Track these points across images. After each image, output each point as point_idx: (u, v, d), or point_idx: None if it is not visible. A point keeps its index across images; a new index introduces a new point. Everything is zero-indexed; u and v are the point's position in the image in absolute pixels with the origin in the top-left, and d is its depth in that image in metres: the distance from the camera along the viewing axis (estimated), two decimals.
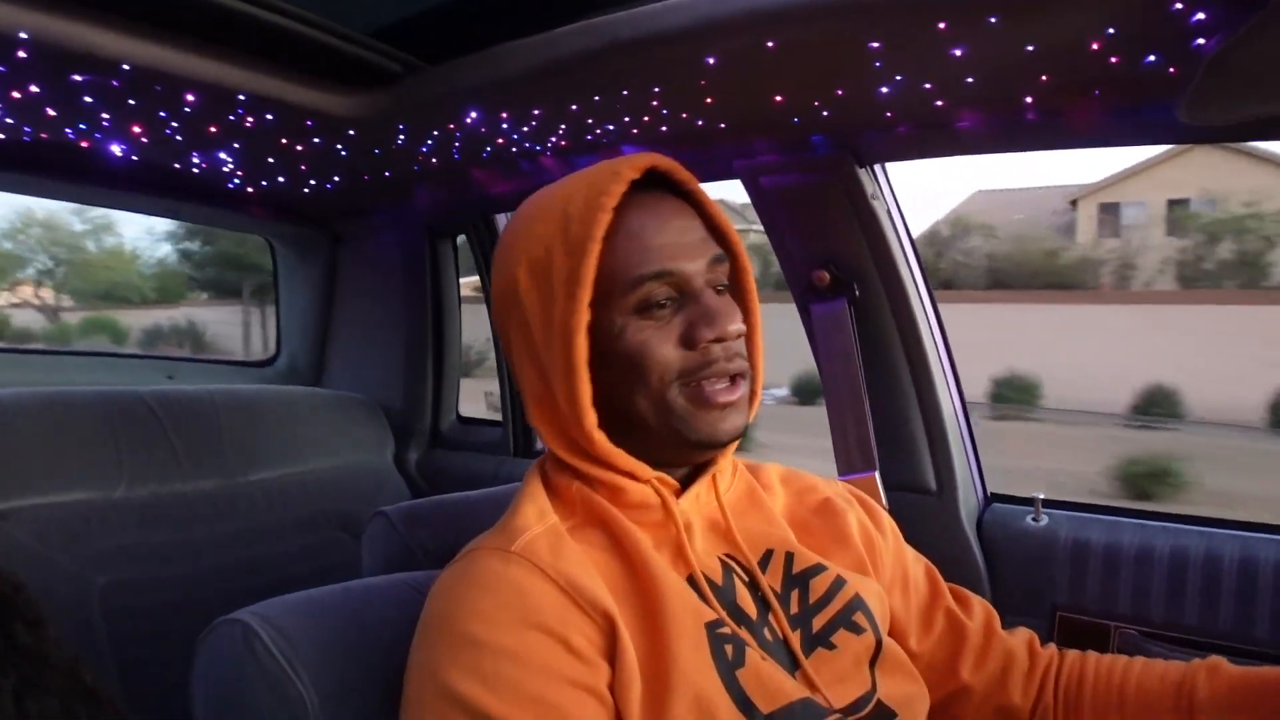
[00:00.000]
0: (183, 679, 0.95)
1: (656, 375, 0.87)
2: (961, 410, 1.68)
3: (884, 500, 1.54)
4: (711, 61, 1.26)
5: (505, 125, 1.60)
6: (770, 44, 1.19)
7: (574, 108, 1.49)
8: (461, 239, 2.41)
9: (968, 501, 1.63)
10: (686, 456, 0.93)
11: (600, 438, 0.88)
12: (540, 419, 0.93)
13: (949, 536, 1.60)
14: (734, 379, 0.89)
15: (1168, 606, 1.42)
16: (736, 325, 0.88)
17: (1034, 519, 1.56)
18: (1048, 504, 1.58)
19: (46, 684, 0.52)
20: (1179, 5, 0.99)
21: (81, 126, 1.65)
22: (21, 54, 1.26)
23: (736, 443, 0.95)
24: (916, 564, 1.11)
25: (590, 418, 0.87)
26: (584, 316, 0.86)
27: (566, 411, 0.88)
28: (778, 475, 1.08)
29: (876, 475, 1.54)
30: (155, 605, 1.66)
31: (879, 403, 1.64)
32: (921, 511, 1.61)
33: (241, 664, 0.90)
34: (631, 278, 0.87)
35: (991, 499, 1.68)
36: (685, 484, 0.94)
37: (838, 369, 1.63)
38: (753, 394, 0.95)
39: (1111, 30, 1.06)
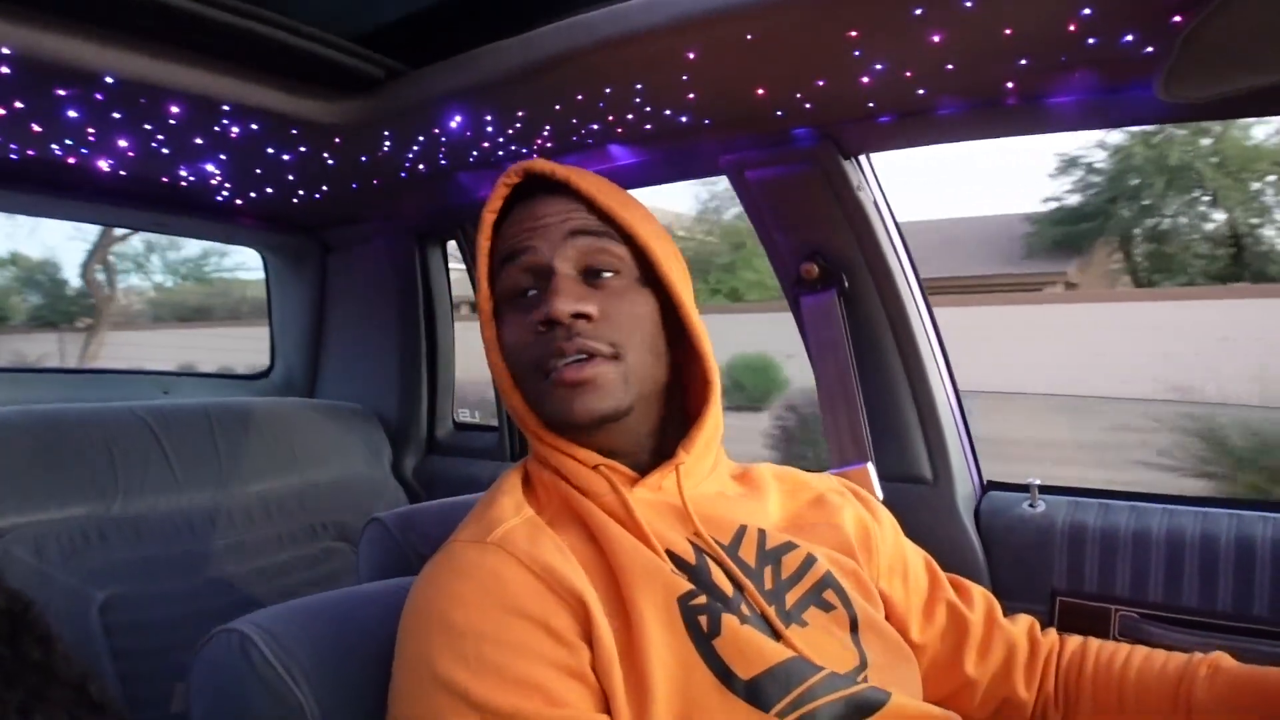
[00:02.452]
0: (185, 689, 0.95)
1: (523, 364, 0.92)
2: (954, 399, 1.67)
3: (878, 491, 1.54)
4: (692, 56, 1.27)
5: (490, 128, 1.60)
6: (750, 36, 1.19)
7: (557, 107, 1.49)
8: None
9: (964, 490, 1.63)
10: (584, 440, 0.93)
11: (533, 417, 0.94)
12: (508, 401, 0.97)
13: (946, 525, 1.60)
14: (590, 358, 0.89)
15: (1166, 587, 1.42)
16: (570, 306, 0.88)
17: (1031, 505, 1.56)
18: (1044, 489, 1.58)
19: (54, 698, 0.53)
20: None
21: (68, 142, 1.64)
22: (4, 69, 1.26)
23: (703, 433, 0.96)
24: (915, 555, 1.11)
25: (516, 397, 0.95)
26: (485, 307, 0.95)
27: (504, 396, 0.96)
28: (771, 473, 1.08)
29: (870, 466, 1.54)
30: (154, 619, 1.66)
31: (871, 393, 1.64)
32: (918, 501, 1.61)
33: (239, 673, 0.90)
34: (498, 263, 0.94)
35: (988, 486, 1.68)
36: (644, 474, 0.95)
37: (829, 360, 1.63)
38: (705, 381, 0.98)
39: (1087, 11, 1.06)
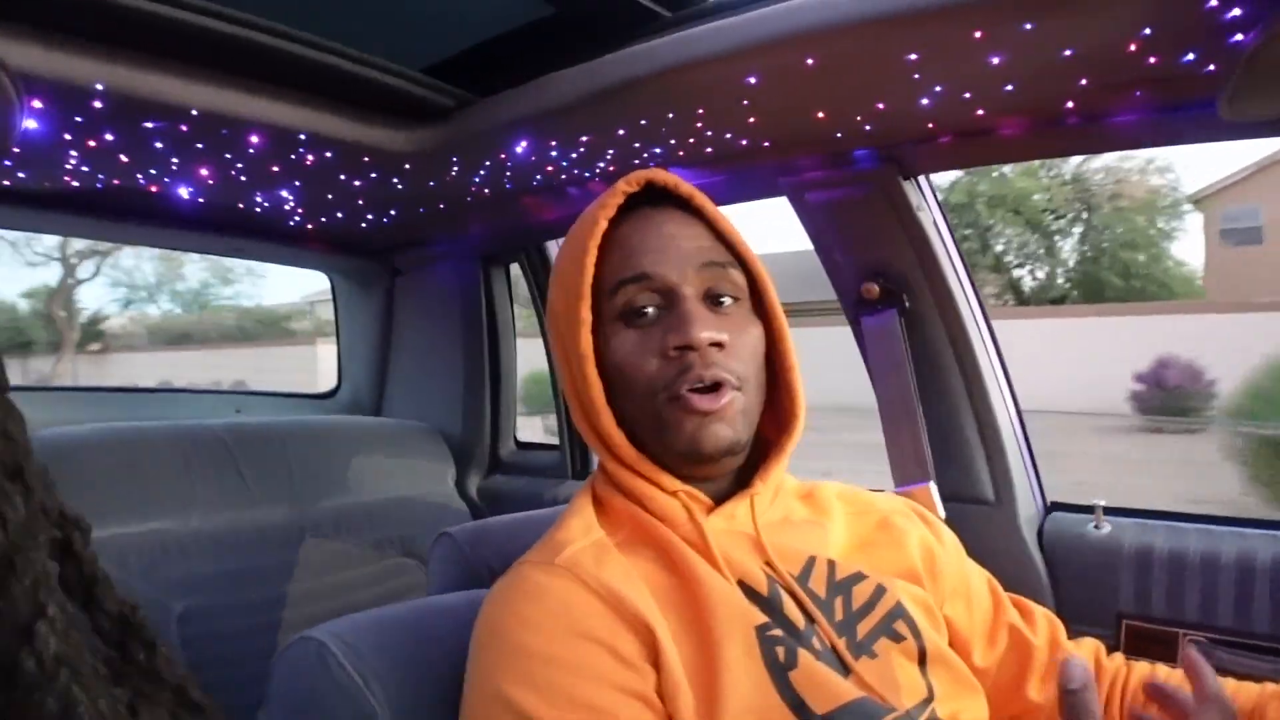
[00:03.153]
0: (257, 700, 0.98)
1: (641, 386, 0.89)
2: (1017, 419, 1.66)
3: (940, 510, 1.53)
4: (753, 81, 1.29)
5: (554, 153, 1.64)
6: (810, 61, 1.21)
7: (620, 132, 1.52)
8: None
9: (1027, 510, 1.61)
10: (685, 469, 0.92)
11: (620, 436, 0.91)
12: (580, 419, 0.95)
13: (1009, 547, 1.59)
14: (718, 388, 0.88)
15: (1236, 612, 1.39)
16: (709, 333, 0.87)
17: (1095, 526, 1.55)
18: (1109, 511, 1.56)
19: (157, 698, 0.56)
20: (1214, 2, 0.99)
21: (152, 171, 1.72)
22: (97, 104, 1.33)
23: (779, 465, 0.96)
24: (978, 578, 1.08)
25: (607, 415, 0.90)
26: (585, 318, 0.90)
27: (591, 413, 0.92)
28: (835, 493, 1.06)
29: (932, 485, 1.53)
30: (230, 630, 1.71)
31: (933, 413, 1.64)
32: (980, 522, 1.60)
33: (316, 679, 0.93)
34: (613, 283, 0.90)
35: (1052, 508, 1.66)
36: (720, 501, 0.94)
37: (890, 381, 1.63)
38: (790, 413, 0.97)
39: (1147, 31, 1.06)
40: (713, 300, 0.91)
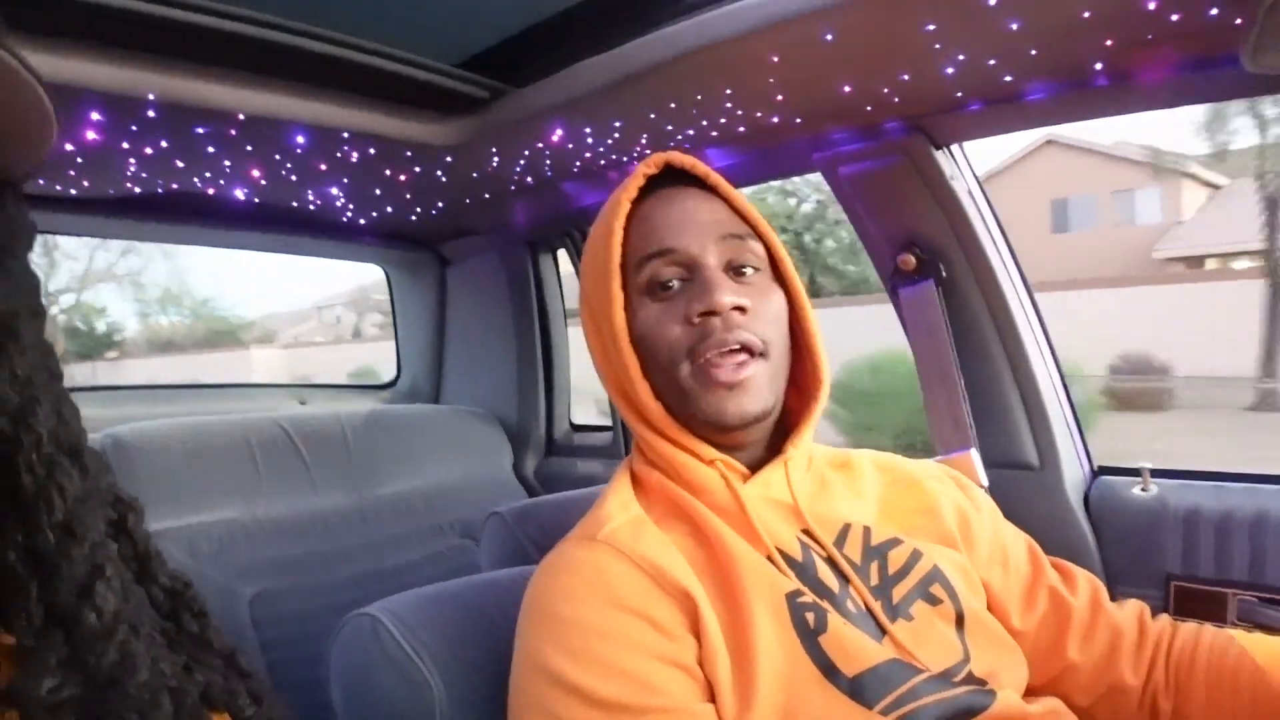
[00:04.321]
0: (324, 676, 1.04)
1: (664, 353, 0.92)
2: (1061, 384, 1.66)
3: (982, 477, 1.54)
4: (775, 59, 1.31)
5: (590, 139, 1.67)
6: (828, 36, 1.22)
7: (652, 116, 1.55)
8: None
9: (1072, 475, 1.61)
10: (713, 437, 0.95)
11: (658, 407, 0.93)
12: (616, 395, 0.99)
13: (1055, 511, 1.59)
14: (743, 354, 0.91)
15: None
16: (731, 298, 0.90)
17: (1142, 489, 1.54)
18: (1156, 473, 1.55)
19: (210, 664, 0.61)
20: None
21: (207, 175, 1.79)
22: (150, 113, 1.39)
23: (807, 430, 0.98)
24: (1017, 541, 1.09)
25: (643, 387, 0.93)
26: (617, 295, 0.93)
27: (629, 386, 0.95)
28: (870, 460, 1.08)
29: (973, 452, 1.54)
30: (296, 612, 1.78)
31: (973, 381, 1.64)
32: (1024, 487, 1.60)
33: (370, 653, 0.98)
34: (638, 257, 0.94)
35: (1099, 472, 1.65)
36: (755, 469, 0.96)
37: (929, 350, 1.64)
38: (813, 379, 0.99)
39: None
40: (735, 270, 0.95)
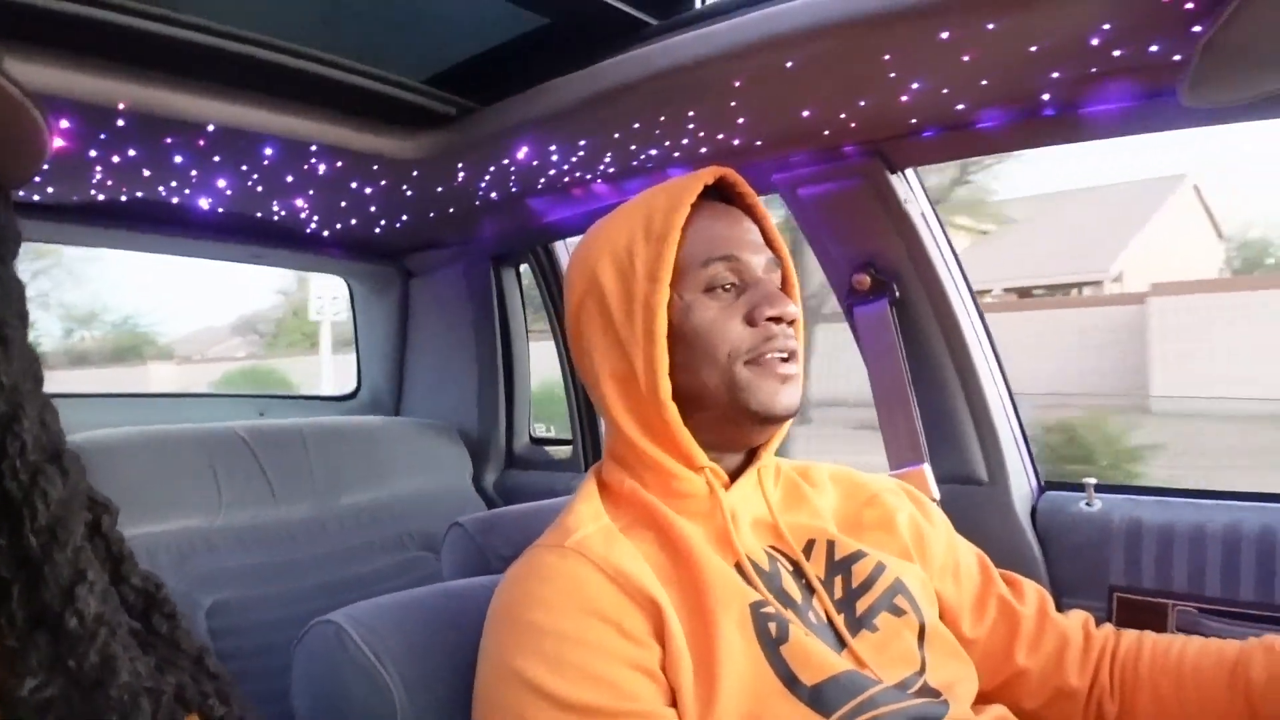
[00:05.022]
0: (283, 688, 1.04)
1: (725, 350, 0.96)
2: (1009, 402, 1.71)
3: (934, 491, 1.58)
4: (738, 83, 1.35)
5: (555, 156, 1.70)
6: (789, 64, 1.26)
7: (616, 135, 1.58)
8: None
9: (1020, 490, 1.66)
10: (746, 433, 1.00)
11: (672, 406, 0.95)
12: (615, 394, 1.00)
13: (1004, 525, 1.63)
14: (791, 356, 0.98)
15: (1224, 581, 1.43)
16: (794, 310, 0.97)
17: (1087, 504, 1.59)
18: (1100, 488, 1.60)
19: (180, 665, 0.62)
20: None
21: (173, 184, 1.79)
22: (120, 122, 1.40)
23: (779, 437, 1.02)
24: (968, 553, 1.13)
25: (666, 385, 0.95)
26: (665, 294, 0.96)
27: (644, 382, 0.96)
28: (828, 474, 1.12)
29: (926, 467, 1.58)
30: (256, 622, 1.78)
31: (926, 398, 1.69)
32: (975, 502, 1.64)
33: (334, 659, 0.99)
34: (702, 259, 0.98)
35: (1045, 487, 1.70)
36: (733, 479, 1.00)
37: (883, 367, 1.68)
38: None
39: (1108, 25, 1.10)
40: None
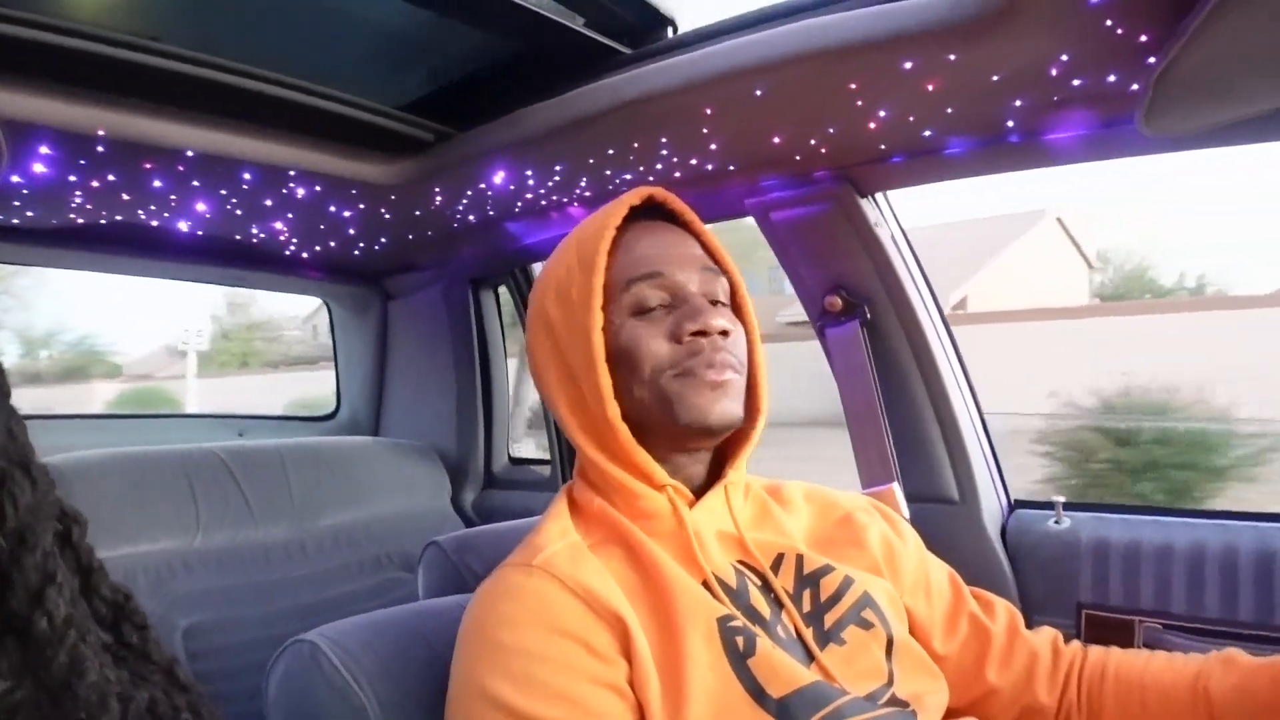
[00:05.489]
0: (260, 710, 1.05)
1: (649, 366, 0.97)
2: (980, 421, 1.73)
3: (905, 510, 1.60)
4: (709, 111, 1.38)
5: (531, 181, 1.73)
6: (759, 92, 1.30)
7: (591, 160, 1.61)
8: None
9: (990, 508, 1.68)
10: (686, 445, 1.00)
11: (623, 428, 0.97)
12: (572, 419, 1.02)
13: (974, 543, 1.65)
14: (726, 369, 0.97)
15: (1189, 598, 1.45)
16: (721, 323, 0.97)
17: (1056, 522, 1.61)
18: (1069, 506, 1.63)
19: (150, 677, 0.63)
20: (1121, 30, 1.07)
21: (152, 208, 1.81)
22: (101, 148, 1.42)
23: (747, 451, 1.04)
24: (939, 570, 1.15)
25: (613, 406, 0.96)
26: (597, 318, 0.97)
27: (593, 405, 0.98)
28: (801, 492, 1.14)
29: (896, 486, 1.60)
30: (233, 644, 1.78)
31: (897, 418, 1.71)
32: (946, 521, 1.66)
33: (310, 678, 1.00)
34: (626, 280, 0.99)
35: (1015, 505, 1.73)
36: (699, 496, 1.02)
37: (855, 387, 1.71)
38: (755, 404, 1.04)
39: (1065, 57, 1.14)
40: (710, 301, 1.01)
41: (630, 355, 0.98)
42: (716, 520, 1.01)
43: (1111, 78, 1.20)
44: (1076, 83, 1.22)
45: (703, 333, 0.96)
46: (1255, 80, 1.08)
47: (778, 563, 1.01)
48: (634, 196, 1.04)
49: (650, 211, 1.05)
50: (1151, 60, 1.13)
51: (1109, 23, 1.05)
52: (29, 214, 1.81)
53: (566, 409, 1.02)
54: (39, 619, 0.53)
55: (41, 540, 0.55)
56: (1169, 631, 1.47)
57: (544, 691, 0.85)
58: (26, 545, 0.54)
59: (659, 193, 1.06)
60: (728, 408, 0.97)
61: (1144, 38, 1.09)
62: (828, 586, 1.00)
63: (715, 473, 1.04)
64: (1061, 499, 1.63)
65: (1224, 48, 1.02)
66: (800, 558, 1.01)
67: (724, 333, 0.98)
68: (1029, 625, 1.14)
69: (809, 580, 1.00)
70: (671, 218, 1.06)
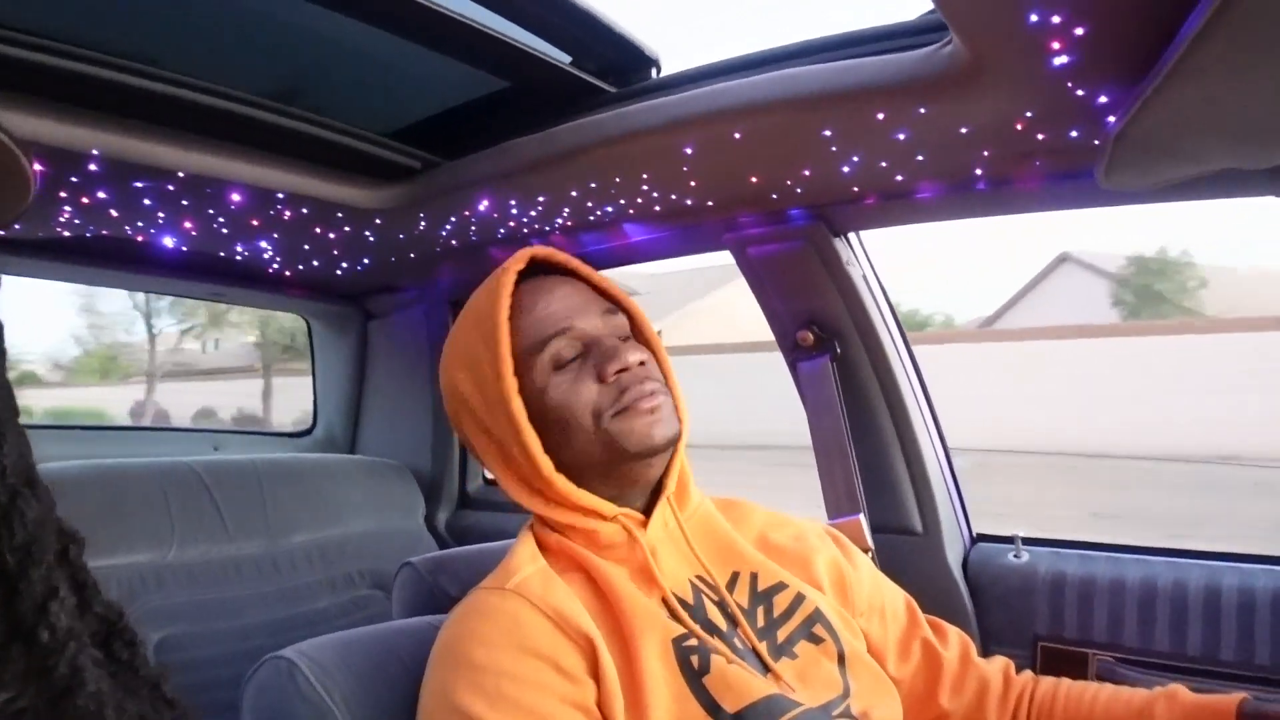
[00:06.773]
0: None
1: (589, 412, 1.00)
2: (944, 456, 1.78)
3: (869, 541, 1.64)
4: (689, 151, 1.42)
5: (515, 210, 1.77)
6: (737, 135, 1.35)
7: (574, 193, 1.65)
8: None
9: (953, 541, 1.73)
10: (638, 472, 1.03)
11: (560, 479, 1.01)
12: (510, 483, 1.06)
13: (935, 575, 1.70)
14: (654, 395, 1.01)
15: (1140, 632, 1.50)
16: (636, 356, 1.02)
17: (1015, 555, 1.66)
18: (1028, 541, 1.68)
19: (139, 692, 0.65)
20: (1081, 91, 1.12)
21: (139, 224, 1.83)
22: (93, 167, 1.44)
23: (678, 462, 1.07)
24: (895, 595, 1.20)
25: (546, 463, 1.00)
26: (512, 383, 1.00)
27: (526, 467, 1.02)
28: (756, 509, 1.19)
29: (861, 518, 1.65)
30: (206, 658, 1.79)
31: (864, 451, 1.76)
32: (909, 552, 1.71)
33: (285, 695, 1.01)
34: (537, 341, 1.03)
35: (977, 539, 1.78)
36: (648, 514, 1.05)
37: (824, 421, 1.75)
38: (679, 417, 1.08)
39: (1029, 113, 1.19)
40: (620, 339, 1.05)
41: (564, 409, 1.01)
42: (670, 535, 1.05)
43: (1074, 134, 1.26)
44: (1040, 137, 1.28)
45: (624, 369, 1.01)
46: (1207, 142, 1.14)
47: (734, 580, 1.05)
48: (518, 262, 1.07)
49: (533, 269, 1.09)
50: (1110, 120, 1.18)
51: (1070, 84, 1.11)
52: (15, 226, 1.82)
53: (502, 470, 1.06)
54: (42, 630, 0.55)
55: (47, 554, 0.57)
56: (1121, 665, 1.52)
57: (514, 708, 0.88)
58: (33, 558, 0.56)
59: (540, 251, 1.10)
60: (667, 427, 1.02)
61: (1103, 99, 1.14)
62: (780, 603, 1.04)
63: (656, 490, 1.08)
64: (1021, 533, 1.68)
65: (1178, 111, 1.07)
66: (755, 575, 1.06)
67: (641, 363, 1.03)
68: (986, 655, 1.18)
69: (763, 597, 1.04)
70: (555, 269, 1.11)
